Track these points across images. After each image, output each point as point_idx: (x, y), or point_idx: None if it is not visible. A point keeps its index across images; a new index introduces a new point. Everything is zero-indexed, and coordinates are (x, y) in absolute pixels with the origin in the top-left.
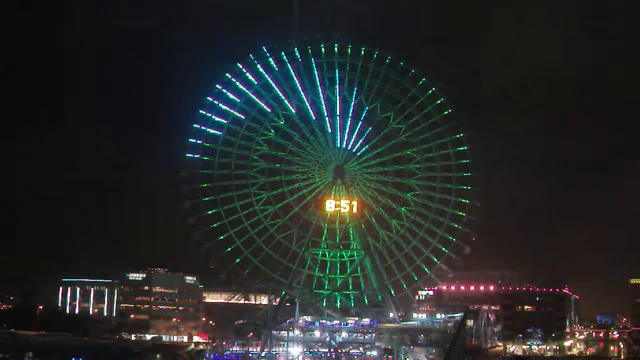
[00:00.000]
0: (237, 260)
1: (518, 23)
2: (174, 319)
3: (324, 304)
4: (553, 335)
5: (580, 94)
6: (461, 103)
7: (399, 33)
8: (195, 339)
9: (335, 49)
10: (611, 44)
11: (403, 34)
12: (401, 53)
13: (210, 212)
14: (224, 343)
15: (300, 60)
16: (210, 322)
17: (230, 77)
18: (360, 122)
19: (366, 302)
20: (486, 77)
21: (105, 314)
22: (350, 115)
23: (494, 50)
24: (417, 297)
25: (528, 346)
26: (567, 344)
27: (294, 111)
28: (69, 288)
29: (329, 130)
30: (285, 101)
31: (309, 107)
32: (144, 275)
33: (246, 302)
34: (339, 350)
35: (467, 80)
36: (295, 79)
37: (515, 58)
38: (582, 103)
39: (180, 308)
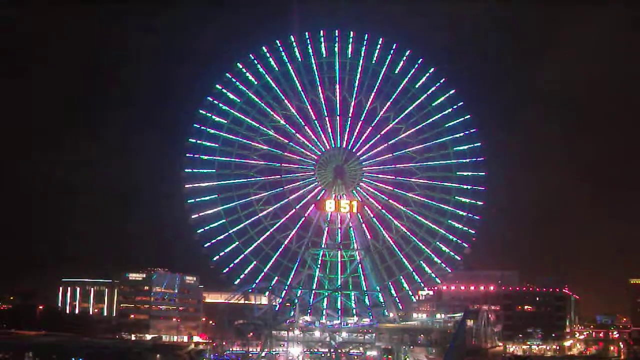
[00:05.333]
0: (237, 260)
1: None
2: (174, 319)
3: (324, 304)
4: (553, 335)
5: (581, 95)
6: (461, 102)
7: (399, 33)
8: (195, 339)
9: (336, 48)
10: None
11: (403, 34)
12: (401, 52)
13: (211, 212)
14: (224, 343)
15: (300, 60)
16: (210, 322)
17: (230, 77)
18: (360, 122)
19: (366, 302)
20: (486, 76)
21: (105, 314)
22: (350, 115)
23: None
24: (417, 297)
25: (528, 346)
26: (567, 344)
27: (294, 111)
28: (69, 288)
29: (329, 130)
30: (285, 101)
31: (309, 107)
32: (144, 275)
33: (246, 302)
34: (339, 350)
35: (467, 79)
36: (295, 79)
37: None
38: (588, 104)
39: (180, 308)
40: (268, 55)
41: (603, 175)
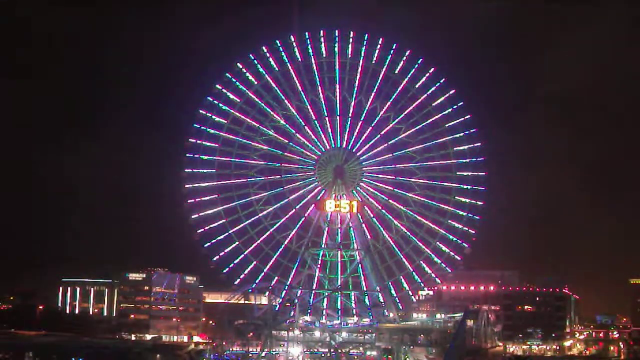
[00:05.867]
0: (237, 260)
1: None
2: (174, 319)
3: (324, 304)
4: (553, 335)
5: (581, 95)
6: (461, 102)
7: (399, 33)
8: (195, 339)
9: (336, 48)
10: None
11: (403, 34)
12: (401, 52)
13: (211, 212)
14: (224, 343)
15: (300, 60)
16: (210, 322)
17: (230, 77)
18: (360, 122)
19: (366, 302)
20: (486, 76)
21: (105, 314)
22: (350, 115)
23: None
24: (417, 297)
25: (528, 346)
26: (567, 344)
27: (294, 111)
28: (69, 288)
29: (329, 130)
30: (285, 101)
31: (309, 107)
32: (144, 275)
33: (246, 302)
34: (339, 350)
35: (467, 79)
36: (295, 79)
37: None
38: (588, 104)
39: (180, 308)
40: (268, 55)
41: (603, 175)
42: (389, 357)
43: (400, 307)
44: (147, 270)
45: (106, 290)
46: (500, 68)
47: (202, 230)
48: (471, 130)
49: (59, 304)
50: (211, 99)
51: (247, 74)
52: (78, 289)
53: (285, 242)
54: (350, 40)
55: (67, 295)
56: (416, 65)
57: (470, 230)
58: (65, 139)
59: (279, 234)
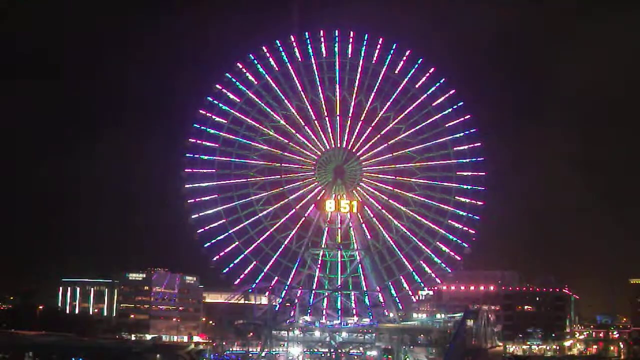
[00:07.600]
0: (237, 260)
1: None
2: (174, 319)
3: (324, 304)
4: (553, 335)
5: (581, 94)
6: (461, 102)
7: (399, 33)
8: (195, 339)
9: (336, 48)
10: None
11: (403, 34)
12: (401, 52)
13: (211, 212)
14: (224, 343)
15: (300, 60)
16: (210, 322)
17: (230, 77)
18: (360, 122)
19: (366, 302)
20: (487, 76)
21: (105, 314)
22: (350, 115)
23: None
24: (417, 297)
25: (528, 346)
26: (567, 344)
27: (294, 111)
28: (69, 288)
29: (329, 130)
30: (285, 101)
31: (309, 107)
32: (144, 275)
33: (246, 302)
34: (339, 350)
35: (467, 79)
36: (295, 79)
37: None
38: (588, 103)
39: (180, 308)
40: (268, 55)
41: (603, 175)
42: (389, 357)
43: (400, 307)
44: (147, 270)
45: (106, 290)
46: (500, 68)
47: (202, 230)
48: (471, 130)
49: (59, 304)
50: (211, 99)
51: (247, 74)
52: (78, 289)
53: (285, 242)
54: (350, 40)
55: (67, 295)
56: (416, 65)
57: (470, 230)
58: (65, 139)
59: (279, 234)
